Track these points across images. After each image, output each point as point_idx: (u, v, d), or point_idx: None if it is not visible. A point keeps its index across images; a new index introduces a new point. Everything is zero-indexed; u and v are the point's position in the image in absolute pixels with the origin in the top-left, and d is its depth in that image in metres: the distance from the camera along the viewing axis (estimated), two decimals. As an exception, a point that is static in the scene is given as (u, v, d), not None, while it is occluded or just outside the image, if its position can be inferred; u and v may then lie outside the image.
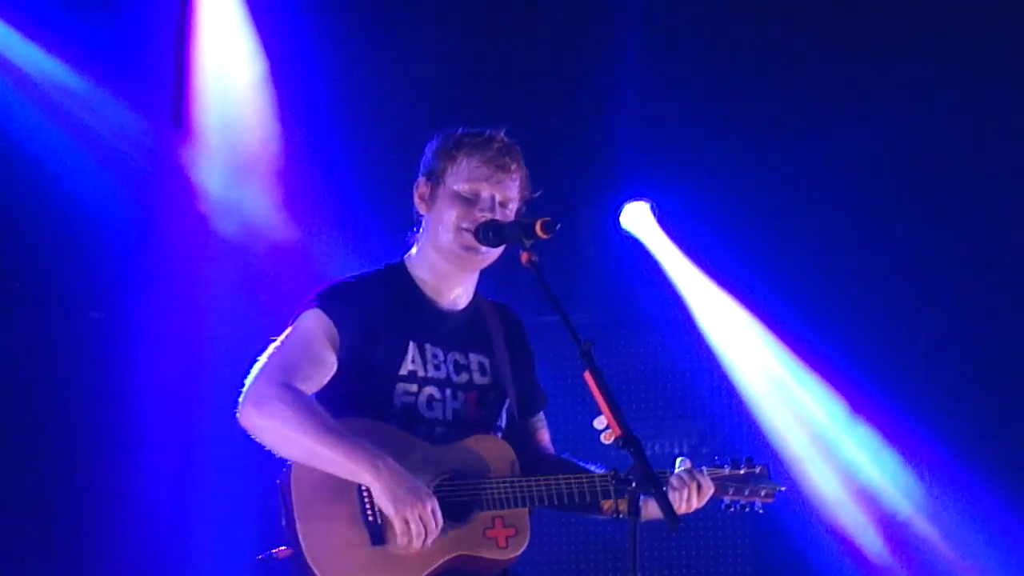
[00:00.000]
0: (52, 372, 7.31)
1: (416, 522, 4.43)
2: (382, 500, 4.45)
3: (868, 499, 7.74)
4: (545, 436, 4.97)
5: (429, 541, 4.45)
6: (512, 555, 4.60)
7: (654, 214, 7.97)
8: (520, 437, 4.87)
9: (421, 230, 4.83)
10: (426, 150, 4.84)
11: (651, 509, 4.40)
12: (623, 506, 4.46)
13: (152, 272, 7.47)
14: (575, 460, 4.83)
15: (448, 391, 4.75)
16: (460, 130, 4.81)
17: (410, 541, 4.44)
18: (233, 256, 7.55)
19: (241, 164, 7.60)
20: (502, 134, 4.79)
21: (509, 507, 4.59)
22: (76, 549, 7.26)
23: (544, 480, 4.62)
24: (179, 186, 7.50)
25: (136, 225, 7.40)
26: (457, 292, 4.82)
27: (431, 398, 4.71)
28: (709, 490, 4.70)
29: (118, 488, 7.30)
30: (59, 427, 7.26)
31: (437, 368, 4.74)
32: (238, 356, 4.76)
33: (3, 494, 7.21)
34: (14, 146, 7.02)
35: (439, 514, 4.46)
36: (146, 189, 7.40)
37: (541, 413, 5.01)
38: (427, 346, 4.75)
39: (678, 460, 4.76)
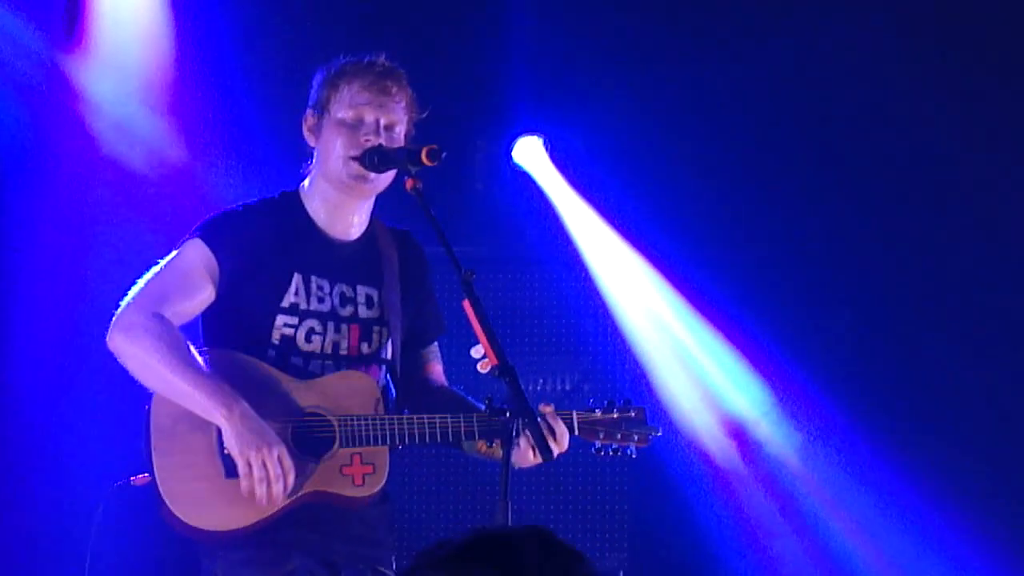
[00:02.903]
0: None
1: (259, 466, 4.45)
2: (230, 442, 4.47)
3: (744, 438, 7.83)
4: (436, 368, 4.99)
5: (276, 489, 4.45)
6: (367, 493, 4.62)
7: (547, 149, 7.97)
8: (409, 369, 4.88)
9: (313, 161, 4.82)
10: (312, 83, 4.85)
11: (519, 456, 4.46)
12: (496, 449, 4.50)
13: (38, 188, 7.34)
14: (464, 395, 4.84)
15: (330, 324, 4.74)
16: (341, 59, 4.81)
17: (253, 487, 4.46)
18: (123, 177, 7.44)
19: (136, 80, 7.49)
20: (383, 58, 4.80)
21: (368, 444, 4.59)
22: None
23: (406, 419, 4.64)
24: (70, 100, 7.37)
25: (23, 138, 7.27)
26: (349, 221, 4.82)
27: (311, 331, 4.71)
28: (564, 435, 4.67)
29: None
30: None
31: (321, 300, 4.74)
32: (123, 279, 4.73)
33: None
34: None
35: (287, 461, 4.47)
36: (35, 101, 7.26)
37: (435, 345, 5.02)
38: (312, 278, 4.75)
39: (540, 405, 4.70)
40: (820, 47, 7.52)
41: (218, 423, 4.49)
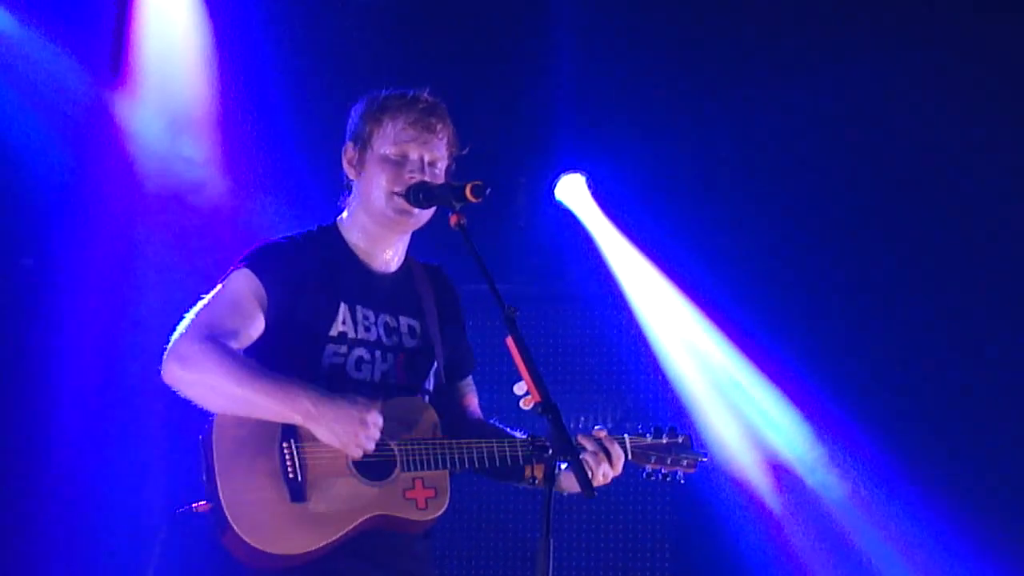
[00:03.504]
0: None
1: (371, 443, 4.49)
2: (329, 440, 4.49)
3: (786, 475, 7.80)
4: (473, 400, 5.01)
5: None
6: (431, 516, 4.63)
7: (589, 187, 7.99)
8: (447, 400, 4.90)
9: (352, 194, 4.84)
10: (351, 114, 4.86)
11: (570, 482, 4.46)
12: (539, 473, 4.52)
13: (84, 222, 7.40)
14: (502, 426, 4.86)
15: (378, 353, 4.76)
16: (383, 92, 4.81)
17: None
18: (167, 210, 7.50)
19: (178, 116, 7.55)
20: (426, 93, 4.80)
21: (429, 469, 4.61)
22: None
23: (465, 443, 4.66)
24: (114, 136, 7.44)
25: (70, 173, 7.34)
26: (389, 254, 4.85)
27: (360, 360, 4.73)
28: (620, 458, 4.73)
29: (40, 439, 7.23)
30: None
31: (367, 330, 4.76)
32: (168, 311, 4.75)
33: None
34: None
35: (380, 422, 4.50)
36: (81, 137, 7.33)
37: (470, 377, 5.04)
38: (358, 308, 4.77)
39: (595, 429, 4.78)
40: (861, 86, 7.54)
41: (302, 425, 4.50)
